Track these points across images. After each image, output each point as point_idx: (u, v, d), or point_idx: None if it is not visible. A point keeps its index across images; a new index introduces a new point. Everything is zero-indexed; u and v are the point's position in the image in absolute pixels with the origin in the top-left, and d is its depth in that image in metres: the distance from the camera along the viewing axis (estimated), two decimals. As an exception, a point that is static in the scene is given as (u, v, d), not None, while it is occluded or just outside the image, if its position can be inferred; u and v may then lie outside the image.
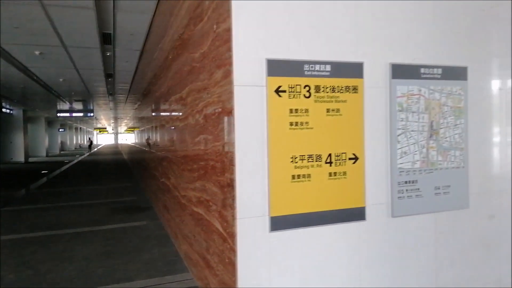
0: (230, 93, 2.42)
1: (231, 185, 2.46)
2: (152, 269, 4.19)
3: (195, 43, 3.29)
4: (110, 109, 23.87)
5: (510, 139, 3.31)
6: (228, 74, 2.45)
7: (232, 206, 2.45)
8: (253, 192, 2.46)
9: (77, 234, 5.92)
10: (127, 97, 16.67)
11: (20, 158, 23.72)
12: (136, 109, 14.60)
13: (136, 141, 15.96)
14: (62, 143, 39.68)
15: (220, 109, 2.66)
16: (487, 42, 3.15)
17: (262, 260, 2.49)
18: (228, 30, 2.42)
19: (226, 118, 2.54)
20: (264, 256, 2.49)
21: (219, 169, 2.71)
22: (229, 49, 2.41)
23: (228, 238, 2.55)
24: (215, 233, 2.87)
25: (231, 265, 2.49)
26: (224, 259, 2.67)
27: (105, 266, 4.37)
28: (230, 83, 2.41)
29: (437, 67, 2.92)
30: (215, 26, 2.70)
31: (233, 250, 2.46)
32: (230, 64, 2.41)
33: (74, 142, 49.35)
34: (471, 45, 3.08)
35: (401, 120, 2.81)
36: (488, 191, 3.19)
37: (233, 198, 2.43)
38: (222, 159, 2.63)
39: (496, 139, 3.24)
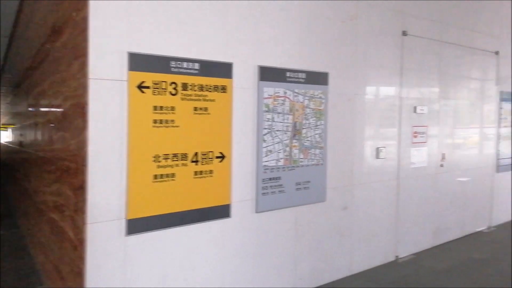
0: (85, 87, 2.22)
1: (82, 187, 2.25)
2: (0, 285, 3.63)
3: (57, 31, 2.97)
4: (-23, 102, 20.56)
5: (364, 139, 3.73)
6: (83, 65, 2.25)
7: (83, 210, 2.24)
8: (108, 194, 2.28)
9: None
10: (-3, 90, 14.53)
11: None
12: (8, 103, 12.83)
13: (10, 139, 14.01)
14: None
15: (75, 104, 2.43)
16: (346, 51, 3.49)
17: (116, 266, 2.32)
18: (85, 19, 2.22)
19: (80, 114, 2.32)
20: (119, 262, 2.32)
21: (73, 170, 2.47)
22: (85, 39, 2.21)
23: (79, 245, 2.32)
24: (67, 241, 2.59)
25: (80, 276, 2.27)
26: (74, 269, 2.42)
27: None
28: (85, 75, 2.21)
29: (302, 71, 3.12)
30: (74, 14, 2.46)
31: (81, 259, 2.24)
32: (85, 55, 2.21)
33: None
34: (332, 53, 3.38)
35: (267, 120, 2.93)
36: (342, 185, 3.53)
37: (84, 201, 2.22)
38: (76, 159, 2.40)
39: (352, 139, 3.60)
